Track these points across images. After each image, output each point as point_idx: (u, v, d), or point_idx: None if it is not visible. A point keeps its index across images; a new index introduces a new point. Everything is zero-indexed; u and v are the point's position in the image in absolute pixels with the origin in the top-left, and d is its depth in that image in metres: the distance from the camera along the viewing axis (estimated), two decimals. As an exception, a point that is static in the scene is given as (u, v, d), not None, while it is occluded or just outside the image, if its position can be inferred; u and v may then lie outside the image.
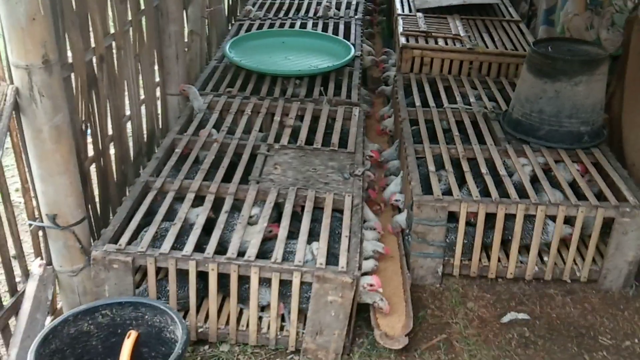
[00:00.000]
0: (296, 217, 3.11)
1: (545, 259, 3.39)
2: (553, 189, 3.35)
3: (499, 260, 3.40)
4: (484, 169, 3.49)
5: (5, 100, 2.43)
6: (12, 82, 2.49)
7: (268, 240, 2.99)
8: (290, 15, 5.85)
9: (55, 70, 2.48)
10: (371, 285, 2.94)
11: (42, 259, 2.90)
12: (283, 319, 2.95)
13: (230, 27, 5.75)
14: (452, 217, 3.29)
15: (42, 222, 2.75)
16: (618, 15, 4.35)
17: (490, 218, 3.28)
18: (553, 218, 3.28)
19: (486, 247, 3.43)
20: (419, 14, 5.50)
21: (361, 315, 3.04)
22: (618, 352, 3.02)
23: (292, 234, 3.00)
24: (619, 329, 3.16)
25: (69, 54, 2.95)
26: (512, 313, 3.21)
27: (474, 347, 3.00)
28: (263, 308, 2.97)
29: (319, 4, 6.13)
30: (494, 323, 3.16)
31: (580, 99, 3.65)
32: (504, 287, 3.40)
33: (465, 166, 3.53)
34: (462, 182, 3.46)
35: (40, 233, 2.87)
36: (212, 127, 3.81)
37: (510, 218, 3.27)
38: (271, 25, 5.55)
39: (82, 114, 3.08)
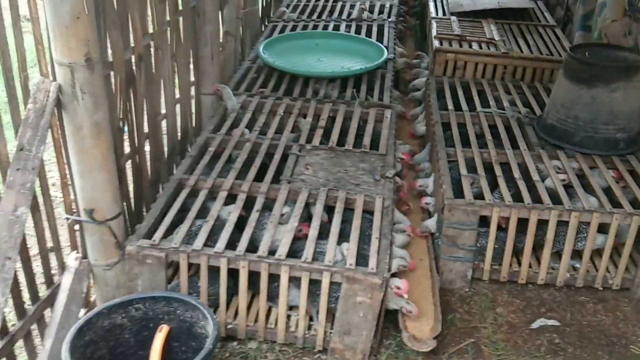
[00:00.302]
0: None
1: (577, 265, 3.35)
2: (588, 195, 3.31)
3: (529, 266, 3.38)
4: (516, 174, 3.47)
5: (48, 96, 2.50)
6: (55, 79, 2.56)
7: (298, 240, 3.01)
8: (324, 17, 5.88)
9: (97, 69, 2.54)
10: (398, 287, 2.94)
11: (78, 252, 2.97)
12: (311, 318, 2.97)
13: (263, 29, 5.81)
14: (483, 221, 3.28)
15: (79, 216, 2.82)
16: (657, 21, 4.28)
17: (522, 223, 3.25)
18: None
19: (516, 252, 3.41)
20: (453, 18, 5.48)
21: (389, 317, 3.04)
22: (650, 362, 2.97)
23: (322, 234, 3.02)
24: (651, 339, 3.11)
25: (109, 52, 3.02)
26: (542, 319, 3.18)
27: (502, 352, 2.98)
28: (292, 307, 3.00)
29: (352, 6, 6.15)
30: (523, 329, 3.14)
31: (617, 106, 3.60)
32: (534, 292, 3.37)
33: (498, 170, 3.51)
34: (494, 186, 3.44)
35: (77, 227, 2.94)
36: (244, 127, 3.86)
37: (542, 223, 3.24)
38: (304, 27, 5.58)
39: (120, 112, 3.15)
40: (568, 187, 3.40)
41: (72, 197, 2.88)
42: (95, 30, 2.51)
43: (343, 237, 3.00)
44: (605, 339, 3.10)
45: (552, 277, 3.37)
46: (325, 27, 5.57)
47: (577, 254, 3.36)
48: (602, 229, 3.27)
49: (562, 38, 5.20)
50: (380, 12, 6.08)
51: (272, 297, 2.92)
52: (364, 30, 5.51)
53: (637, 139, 3.75)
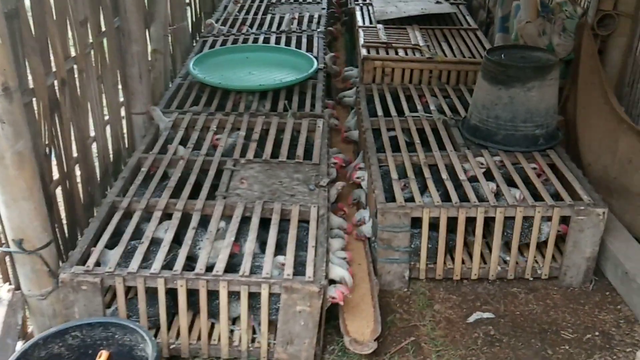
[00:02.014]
0: (264, 230, 3.17)
1: (507, 258, 3.50)
2: (511, 188, 3.47)
3: (463, 262, 3.50)
4: (444, 175, 3.59)
5: (-34, 128, 2.45)
6: (-28, 110, 2.51)
7: (236, 255, 3.03)
8: (253, 30, 5.92)
9: (16, 97, 2.50)
10: (333, 297, 3.00)
11: (10, 284, 2.90)
12: (254, 331, 3.00)
13: (194, 44, 5.80)
14: (417, 222, 3.38)
15: (8, 247, 2.76)
16: (569, 21, 4.50)
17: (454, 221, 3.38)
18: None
19: (451, 250, 3.53)
20: (379, 26, 5.61)
21: (331, 323, 3.11)
22: (580, 345, 3.12)
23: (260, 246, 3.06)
24: (580, 323, 3.27)
25: (30, 78, 2.98)
26: (477, 313, 3.31)
27: (441, 347, 3.09)
28: (234, 321, 3.01)
29: (281, 18, 6.20)
30: (460, 323, 3.25)
31: (533, 104, 3.78)
32: (469, 288, 3.49)
33: (427, 173, 3.63)
34: (424, 188, 3.55)
35: (8, 258, 2.88)
36: (178, 144, 3.85)
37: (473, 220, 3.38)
38: (235, 41, 5.61)
39: (45, 138, 3.10)
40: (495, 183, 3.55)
41: (0, 228, 2.82)
42: (11, 59, 2.48)
43: (280, 247, 3.04)
44: (538, 326, 3.24)
45: (484, 272, 3.50)
46: (256, 40, 5.60)
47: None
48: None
49: (484, 40, 5.41)
50: (309, 22, 6.16)
51: (214, 313, 2.93)
52: (293, 42, 5.58)
53: (555, 134, 3.94)
